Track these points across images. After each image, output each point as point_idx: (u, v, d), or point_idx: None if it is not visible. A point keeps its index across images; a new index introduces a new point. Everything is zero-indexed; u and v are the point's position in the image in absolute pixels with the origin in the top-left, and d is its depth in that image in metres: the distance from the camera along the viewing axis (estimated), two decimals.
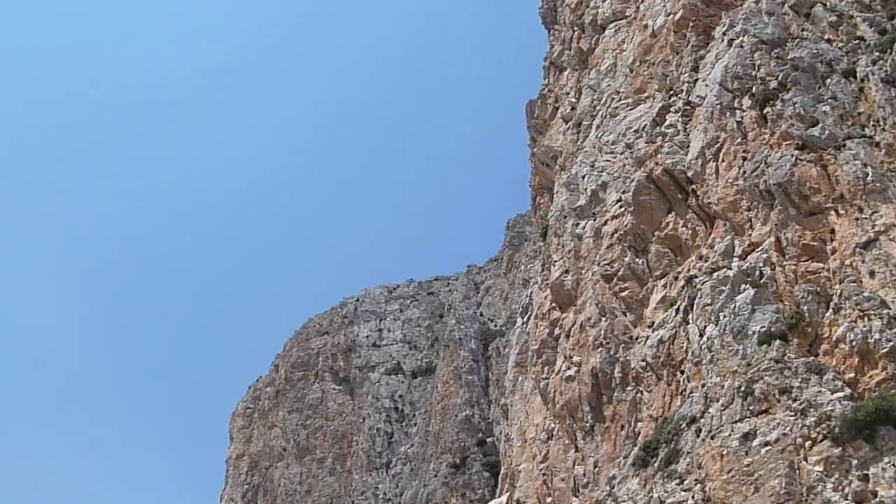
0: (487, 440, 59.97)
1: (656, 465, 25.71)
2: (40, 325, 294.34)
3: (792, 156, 25.96)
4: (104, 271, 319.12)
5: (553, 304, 37.71)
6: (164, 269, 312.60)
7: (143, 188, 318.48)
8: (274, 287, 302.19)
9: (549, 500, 34.04)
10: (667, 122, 32.94)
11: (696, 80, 32.46)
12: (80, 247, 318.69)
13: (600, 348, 32.46)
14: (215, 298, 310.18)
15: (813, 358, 22.97)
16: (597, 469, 31.35)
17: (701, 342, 26.22)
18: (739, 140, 28.52)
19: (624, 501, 26.39)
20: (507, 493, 39.00)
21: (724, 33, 31.94)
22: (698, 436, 24.05)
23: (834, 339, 22.82)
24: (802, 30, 29.63)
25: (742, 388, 23.15)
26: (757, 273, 25.70)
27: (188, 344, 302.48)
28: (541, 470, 35.14)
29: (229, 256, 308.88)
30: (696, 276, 28.14)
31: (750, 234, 27.15)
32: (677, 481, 24.01)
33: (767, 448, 21.44)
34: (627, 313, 31.93)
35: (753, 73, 29.39)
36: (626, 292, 32.13)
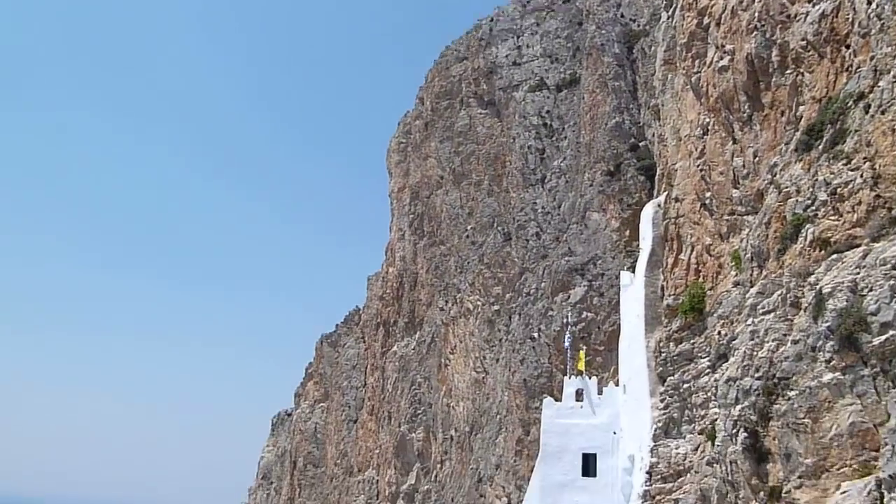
0: (640, 144, 59.26)
1: (821, 147, 24.79)
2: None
3: None
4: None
5: None
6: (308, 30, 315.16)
7: None
8: (409, 17, 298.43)
9: (707, 195, 33.95)
10: None
11: None
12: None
13: (755, 32, 30.42)
14: (361, 38, 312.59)
15: None
16: (757, 159, 30.65)
17: (869, 10, 23.92)
18: None
19: (787, 188, 25.93)
20: (665, 194, 39.13)
21: None
22: (867, 112, 22.74)
23: None
24: None
25: None
26: None
27: (343, 85, 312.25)
28: (698, 166, 34.77)
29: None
30: None
31: None
32: (844, 161, 23.15)
33: None
34: None
35: None
36: None
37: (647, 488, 33.39)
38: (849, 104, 23.79)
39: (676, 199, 36.78)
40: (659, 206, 39.45)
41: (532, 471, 42.81)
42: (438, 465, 74.76)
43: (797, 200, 24.84)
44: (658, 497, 32.60)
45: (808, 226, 23.79)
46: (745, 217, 31.13)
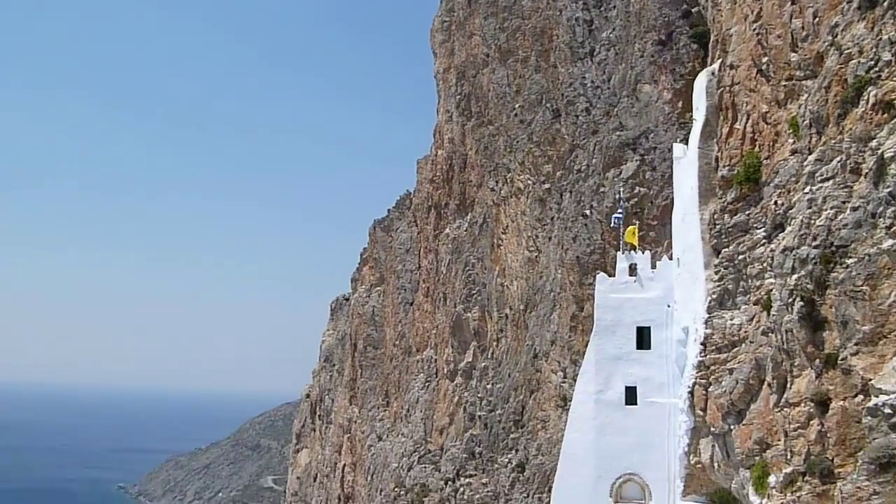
0: (692, 11, 56.78)
1: (886, 3, 23.52)
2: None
3: None
4: None
5: None
6: None
7: None
8: None
9: (764, 60, 32.70)
10: None
11: None
12: None
13: None
14: None
15: None
16: (816, 19, 29.24)
17: None
18: None
19: (849, 49, 24.82)
20: (719, 61, 37.79)
21: None
22: None
23: None
24: None
25: None
26: None
27: None
28: (754, 30, 33.36)
29: None
30: None
31: None
32: None
33: None
34: None
35: None
36: None
37: (701, 359, 33.76)
38: None
39: (731, 66, 35.53)
40: (713, 74, 38.20)
41: (587, 345, 43.50)
42: (494, 343, 76.41)
43: (859, 62, 23.81)
44: (712, 367, 32.97)
45: (870, 88, 22.88)
46: (803, 82, 30.01)
